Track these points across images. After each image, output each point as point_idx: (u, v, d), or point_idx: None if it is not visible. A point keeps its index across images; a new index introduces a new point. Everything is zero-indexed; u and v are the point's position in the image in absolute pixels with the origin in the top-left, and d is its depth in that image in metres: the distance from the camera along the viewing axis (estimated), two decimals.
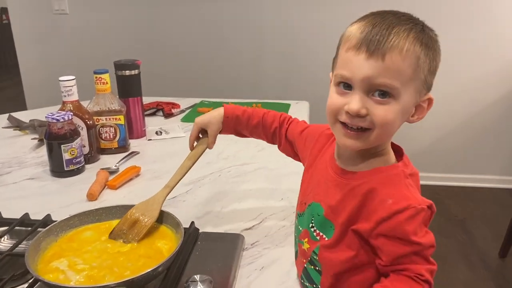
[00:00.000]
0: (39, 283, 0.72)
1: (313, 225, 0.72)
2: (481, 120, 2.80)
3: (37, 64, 3.08)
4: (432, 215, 0.64)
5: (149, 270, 0.68)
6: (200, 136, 0.94)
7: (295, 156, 0.91)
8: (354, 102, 0.62)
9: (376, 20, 0.63)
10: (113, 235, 0.80)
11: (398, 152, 0.70)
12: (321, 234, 0.71)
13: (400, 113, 0.63)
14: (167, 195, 0.85)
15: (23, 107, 3.14)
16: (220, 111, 0.91)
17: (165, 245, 0.77)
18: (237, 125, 0.92)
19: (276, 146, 0.95)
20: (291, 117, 0.93)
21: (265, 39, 2.76)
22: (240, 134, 0.95)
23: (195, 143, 0.93)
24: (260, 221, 0.96)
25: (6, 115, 1.63)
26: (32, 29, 3.01)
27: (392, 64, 0.61)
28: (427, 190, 3.22)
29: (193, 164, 0.91)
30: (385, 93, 0.62)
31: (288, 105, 1.81)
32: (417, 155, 2.86)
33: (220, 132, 0.93)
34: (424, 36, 0.62)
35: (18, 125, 1.52)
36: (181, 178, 0.89)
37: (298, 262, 0.78)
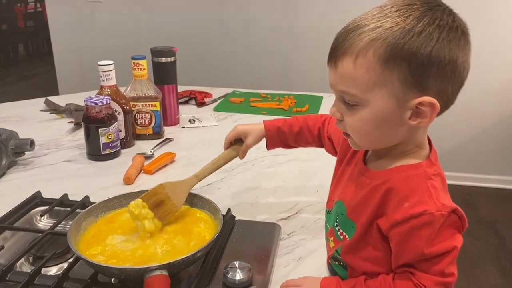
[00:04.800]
0: (79, 262, 0.73)
1: (338, 224, 0.71)
2: None
3: (70, 52, 3.14)
4: (461, 220, 0.61)
5: (189, 254, 0.67)
6: (232, 143, 0.92)
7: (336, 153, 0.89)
8: (331, 107, 0.65)
9: (356, 18, 0.61)
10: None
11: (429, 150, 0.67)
12: (344, 234, 0.70)
13: (373, 120, 0.60)
14: (194, 185, 0.84)
15: (55, 93, 3.21)
16: (261, 126, 0.90)
17: (207, 229, 0.77)
18: (280, 136, 0.90)
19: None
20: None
21: (298, 30, 2.74)
22: (287, 145, 0.93)
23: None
24: (295, 212, 0.95)
25: (43, 98, 1.66)
26: (66, 18, 3.07)
27: (343, 72, 0.59)
28: (457, 191, 3.14)
29: (223, 165, 0.89)
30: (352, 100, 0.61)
31: (321, 98, 1.79)
32: (449, 154, 2.81)
33: (268, 147, 0.92)
34: (392, 35, 0.56)
35: (55, 109, 1.55)
36: (210, 173, 0.88)
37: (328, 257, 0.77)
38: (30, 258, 0.79)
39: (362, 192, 0.66)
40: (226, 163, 0.90)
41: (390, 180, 0.63)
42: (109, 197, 0.84)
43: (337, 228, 0.71)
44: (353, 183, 0.69)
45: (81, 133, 1.37)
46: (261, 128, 0.90)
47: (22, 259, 0.79)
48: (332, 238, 0.73)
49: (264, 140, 0.91)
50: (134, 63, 1.29)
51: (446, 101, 0.61)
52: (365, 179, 0.67)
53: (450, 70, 0.58)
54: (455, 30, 0.58)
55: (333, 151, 0.88)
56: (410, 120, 0.60)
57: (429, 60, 0.56)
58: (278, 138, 0.90)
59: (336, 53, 0.61)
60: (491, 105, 2.72)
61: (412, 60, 0.56)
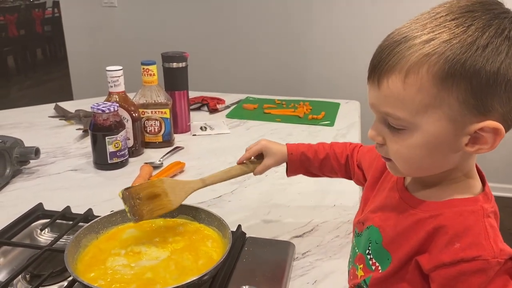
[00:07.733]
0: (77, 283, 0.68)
1: (370, 252, 0.63)
2: None
3: (85, 56, 3.13)
4: None
5: (194, 278, 0.62)
6: (253, 158, 0.86)
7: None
8: (371, 128, 0.57)
9: (402, 27, 0.51)
10: (126, 196, 0.73)
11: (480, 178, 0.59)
12: (377, 264, 0.61)
13: (424, 147, 0.52)
14: (197, 189, 0.80)
15: (69, 98, 3.21)
16: (285, 148, 0.85)
17: (215, 247, 0.71)
18: (304, 161, 0.84)
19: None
20: (362, 144, 0.84)
21: (313, 34, 2.67)
22: (309, 173, 0.86)
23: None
24: (311, 229, 0.89)
25: (53, 104, 1.63)
26: (81, 22, 3.06)
27: (390, 92, 0.51)
28: None
29: (235, 177, 0.84)
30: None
31: (338, 104, 1.72)
32: None
33: (288, 174, 0.87)
34: (450, 49, 0.47)
35: (63, 115, 1.51)
36: (219, 182, 0.83)
37: (350, 282, 0.70)
38: (27, 276, 0.75)
39: (403, 223, 0.58)
40: (238, 175, 0.85)
41: (440, 216, 0.54)
42: (112, 211, 0.80)
43: (369, 256, 0.63)
44: (393, 210, 0.60)
45: (89, 140, 1.33)
46: (284, 151, 0.84)
47: (19, 277, 0.74)
48: (361, 266, 0.64)
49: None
50: (143, 68, 1.25)
51: (510, 125, 0.52)
52: (409, 208, 0.58)
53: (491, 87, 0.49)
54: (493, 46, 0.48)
55: (363, 180, 0.80)
56: (467, 147, 0.52)
57: (495, 79, 0.48)
58: (300, 163, 0.84)
59: (380, 69, 0.51)
60: None
61: (475, 79, 0.48)
